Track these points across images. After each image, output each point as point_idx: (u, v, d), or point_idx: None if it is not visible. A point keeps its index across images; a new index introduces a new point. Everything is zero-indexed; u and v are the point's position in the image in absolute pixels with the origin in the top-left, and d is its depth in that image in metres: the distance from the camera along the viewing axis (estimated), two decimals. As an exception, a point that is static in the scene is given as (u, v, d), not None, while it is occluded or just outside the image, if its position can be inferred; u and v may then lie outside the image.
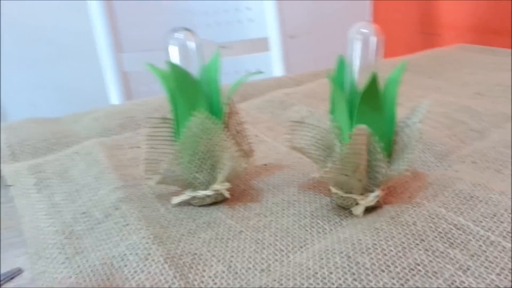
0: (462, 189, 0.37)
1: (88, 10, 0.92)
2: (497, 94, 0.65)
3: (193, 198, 0.39)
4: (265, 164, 0.47)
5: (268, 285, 0.27)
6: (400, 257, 0.30)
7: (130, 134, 0.56)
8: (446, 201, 0.36)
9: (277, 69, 1.01)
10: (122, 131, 0.58)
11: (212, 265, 0.30)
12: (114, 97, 0.94)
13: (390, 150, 0.37)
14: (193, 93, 0.37)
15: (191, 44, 0.37)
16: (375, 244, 0.31)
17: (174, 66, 0.36)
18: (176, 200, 0.38)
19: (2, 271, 0.32)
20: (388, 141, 0.37)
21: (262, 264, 0.30)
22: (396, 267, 0.29)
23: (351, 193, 0.36)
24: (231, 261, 0.31)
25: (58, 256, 0.32)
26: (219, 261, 0.31)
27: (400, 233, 0.32)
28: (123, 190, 0.39)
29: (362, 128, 0.34)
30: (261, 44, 1.03)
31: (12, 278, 0.32)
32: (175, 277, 0.28)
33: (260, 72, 0.42)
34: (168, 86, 0.37)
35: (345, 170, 0.34)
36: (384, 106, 0.36)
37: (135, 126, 0.59)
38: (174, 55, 0.37)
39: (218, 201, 0.39)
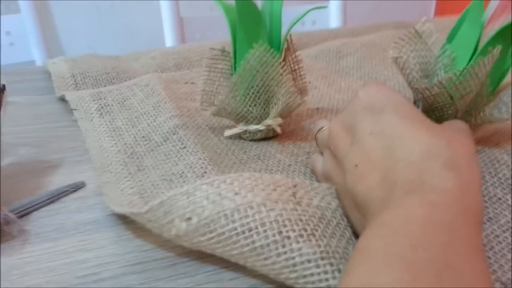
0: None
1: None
2: None
3: (245, 132, 0.39)
4: (318, 108, 0.47)
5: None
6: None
7: (185, 71, 0.57)
8: (510, 149, 0.34)
9: (334, 21, 0.98)
10: (177, 70, 0.59)
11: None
12: (169, 42, 0.96)
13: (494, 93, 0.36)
14: (254, 25, 0.36)
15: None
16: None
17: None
18: (228, 132, 0.39)
19: (67, 184, 0.34)
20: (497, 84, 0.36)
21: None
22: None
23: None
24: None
25: (121, 171, 0.34)
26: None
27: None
28: (179, 118, 0.40)
29: (494, 54, 0.32)
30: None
31: (76, 190, 0.34)
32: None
33: (324, 7, 0.41)
34: (230, 18, 0.37)
35: (454, 92, 0.33)
36: None
37: (190, 66, 0.60)
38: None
39: (268, 136, 0.40)
